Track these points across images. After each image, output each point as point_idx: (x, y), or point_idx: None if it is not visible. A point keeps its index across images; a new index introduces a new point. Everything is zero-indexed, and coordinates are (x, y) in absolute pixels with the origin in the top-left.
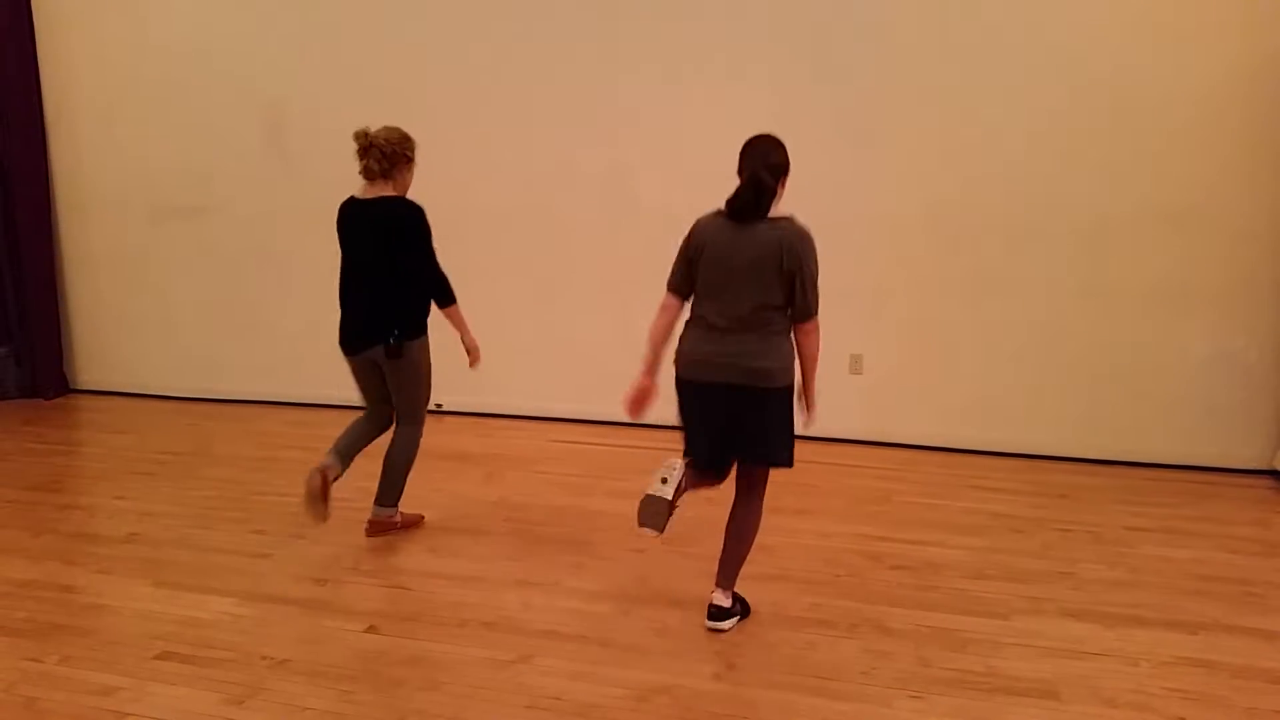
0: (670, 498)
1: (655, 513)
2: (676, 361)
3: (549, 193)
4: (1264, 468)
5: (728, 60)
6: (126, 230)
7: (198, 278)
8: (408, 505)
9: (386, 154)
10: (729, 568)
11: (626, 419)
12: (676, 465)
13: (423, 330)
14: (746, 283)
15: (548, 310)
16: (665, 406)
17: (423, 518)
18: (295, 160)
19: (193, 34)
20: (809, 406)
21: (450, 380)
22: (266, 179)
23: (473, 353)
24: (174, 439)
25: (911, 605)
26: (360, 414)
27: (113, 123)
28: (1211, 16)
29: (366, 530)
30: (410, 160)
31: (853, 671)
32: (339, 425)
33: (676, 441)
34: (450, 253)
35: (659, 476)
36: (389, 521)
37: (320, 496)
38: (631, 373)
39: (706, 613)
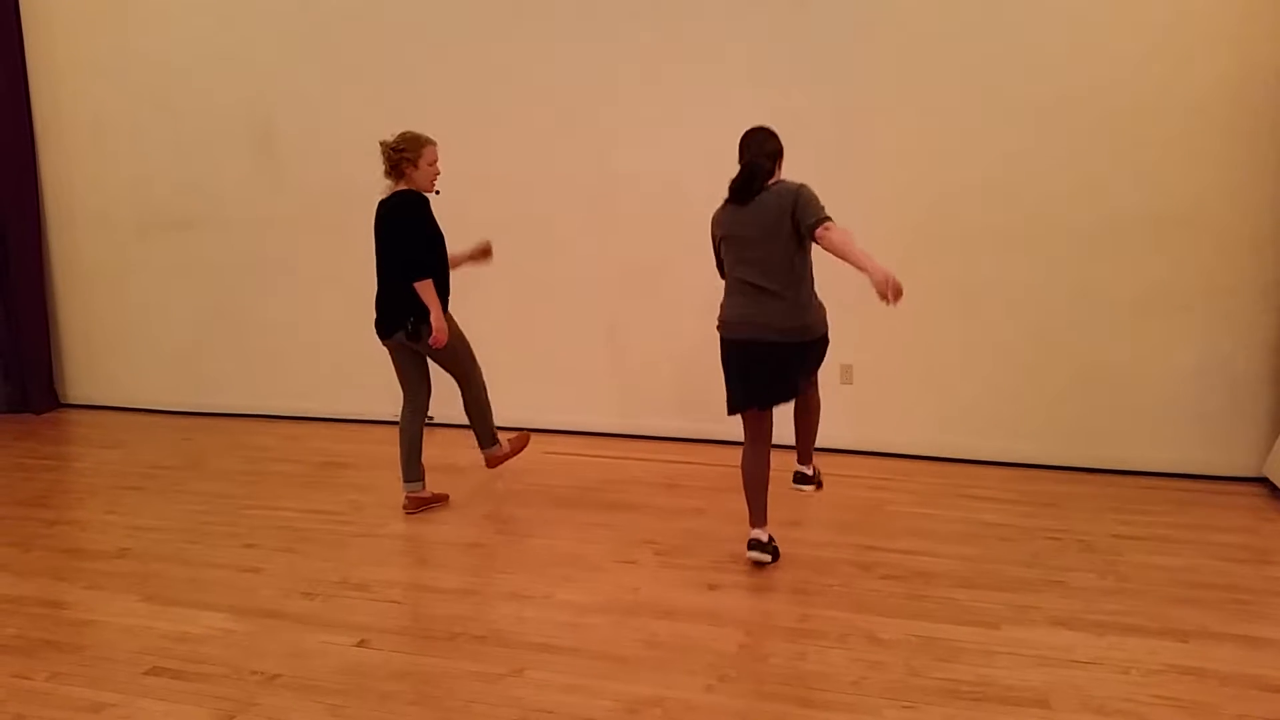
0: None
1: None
2: (721, 326)
3: (540, 202)
4: (1253, 475)
5: (719, 69)
6: (116, 244)
7: (187, 291)
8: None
9: (388, 156)
10: (808, 447)
11: (620, 431)
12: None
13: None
14: (766, 246)
15: (539, 321)
16: (660, 418)
17: (526, 437)
18: (285, 172)
19: (181, 47)
20: (877, 277)
21: (442, 393)
22: (256, 192)
23: (436, 335)
24: (164, 453)
25: (902, 615)
26: (402, 415)
27: (102, 136)
28: (1201, 25)
29: (487, 463)
30: (411, 161)
31: (843, 682)
32: (330, 439)
33: (673, 453)
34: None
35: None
36: (500, 454)
37: (428, 507)
38: (624, 384)
39: (793, 477)
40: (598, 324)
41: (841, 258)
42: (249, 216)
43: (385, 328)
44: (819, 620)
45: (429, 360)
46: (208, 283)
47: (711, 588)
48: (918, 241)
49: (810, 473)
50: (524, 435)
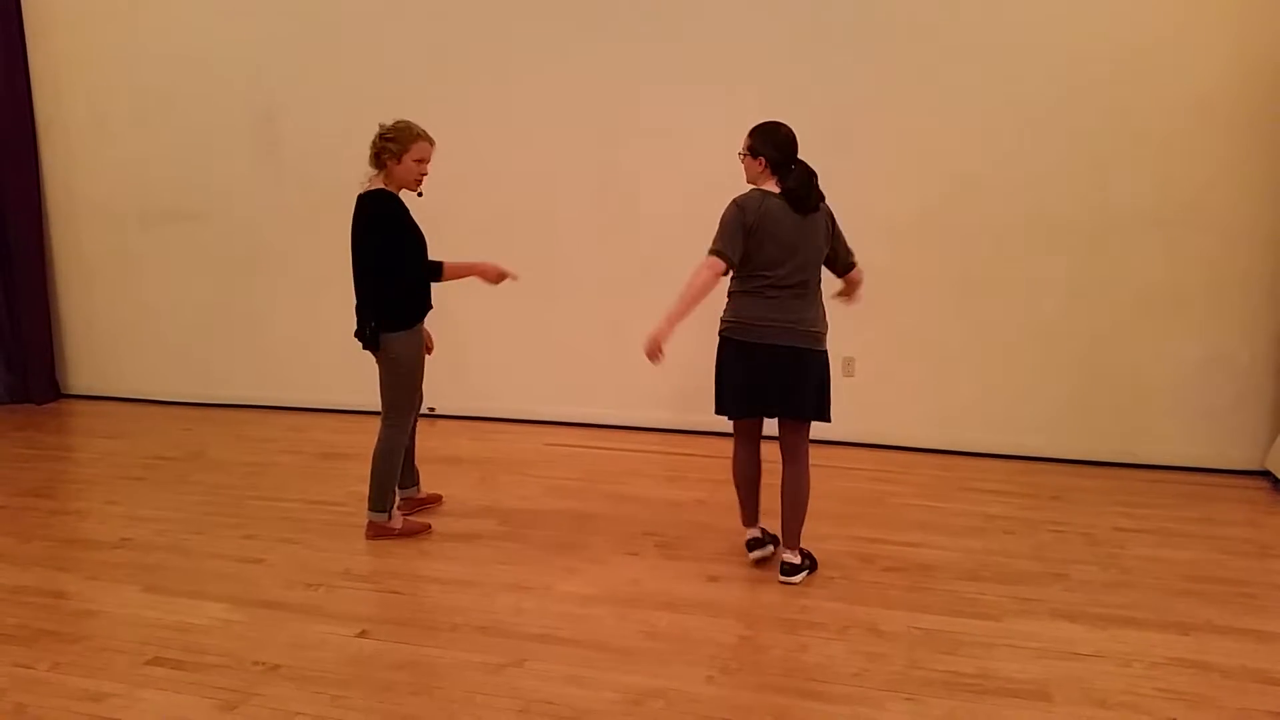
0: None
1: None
2: (732, 328)
3: (544, 196)
4: (1257, 468)
5: (722, 64)
6: (118, 235)
7: (190, 282)
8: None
9: (373, 142)
10: (791, 528)
11: (622, 423)
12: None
13: (403, 325)
14: (805, 259)
15: (542, 313)
16: (662, 411)
17: (429, 527)
18: (287, 165)
19: (183, 40)
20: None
21: (444, 384)
22: (259, 184)
23: (488, 273)
24: (166, 444)
25: (904, 607)
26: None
27: (104, 128)
28: (1204, 20)
29: (366, 530)
30: (394, 154)
31: (844, 673)
32: (332, 430)
33: (674, 445)
34: (444, 256)
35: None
36: (382, 527)
37: (414, 532)
38: (625, 376)
39: (780, 569)
40: (600, 317)
41: (855, 291)
42: (251, 208)
43: (357, 326)
44: (820, 612)
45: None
46: (209, 274)
47: (713, 579)
48: (922, 234)
49: (798, 560)
50: (426, 526)
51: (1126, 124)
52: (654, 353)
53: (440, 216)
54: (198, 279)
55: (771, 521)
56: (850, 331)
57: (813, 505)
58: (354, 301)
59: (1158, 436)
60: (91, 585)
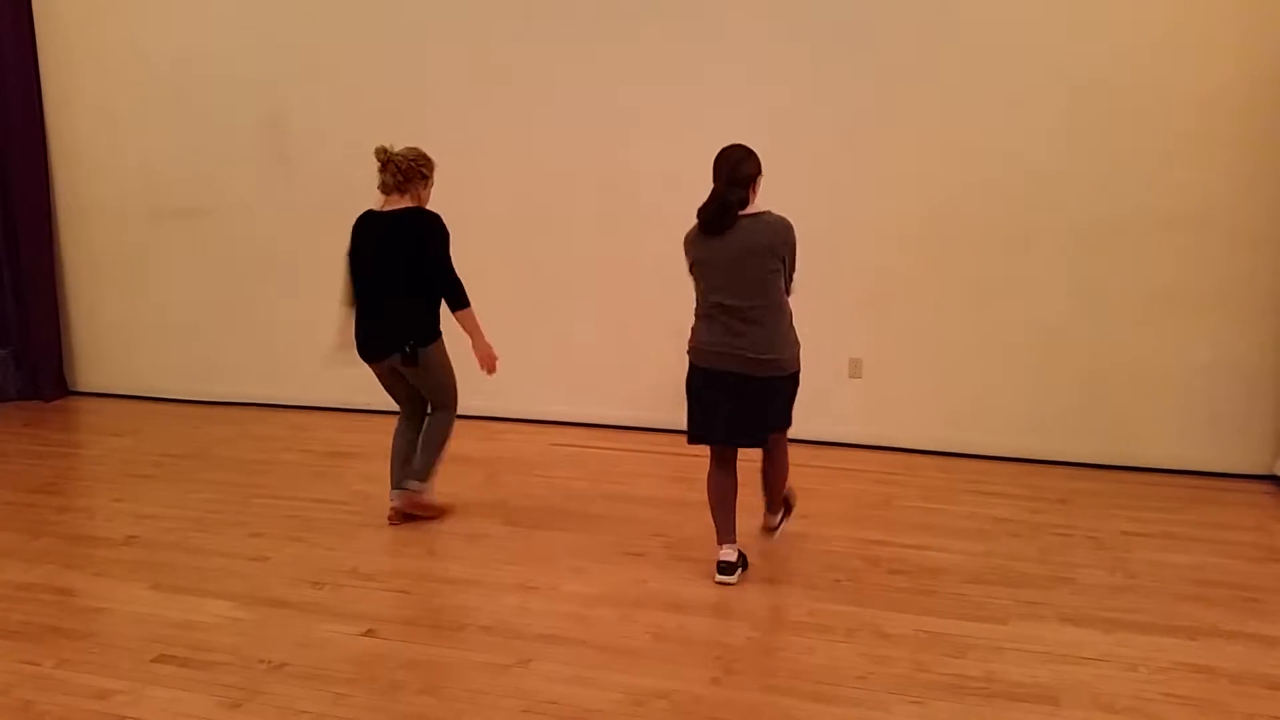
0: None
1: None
2: (690, 352)
3: (550, 197)
4: (1264, 473)
5: (728, 66)
6: (127, 232)
7: (198, 280)
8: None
9: (402, 169)
10: (774, 499)
11: (628, 424)
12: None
13: (437, 335)
14: (744, 276)
15: (549, 314)
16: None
17: (452, 508)
18: (296, 163)
19: (192, 37)
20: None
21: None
22: (266, 181)
23: (485, 361)
24: (173, 441)
25: (910, 610)
26: (396, 425)
27: (113, 125)
28: (1212, 21)
29: (395, 509)
30: (426, 178)
31: (850, 676)
32: (339, 429)
33: (680, 446)
34: (453, 254)
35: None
36: (424, 500)
37: (420, 516)
38: (632, 376)
39: (763, 523)
40: (607, 318)
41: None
42: (259, 206)
43: (380, 349)
44: (826, 614)
45: None
46: (217, 272)
47: (719, 581)
48: (929, 237)
49: (776, 522)
50: (450, 506)
51: (1134, 127)
52: None
53: (446, 218)
54: (206, 277)
55: (749, 519)
56: (856, 333)
57: (817, 507)
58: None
59: (1164, 440)
60: (98, 582)
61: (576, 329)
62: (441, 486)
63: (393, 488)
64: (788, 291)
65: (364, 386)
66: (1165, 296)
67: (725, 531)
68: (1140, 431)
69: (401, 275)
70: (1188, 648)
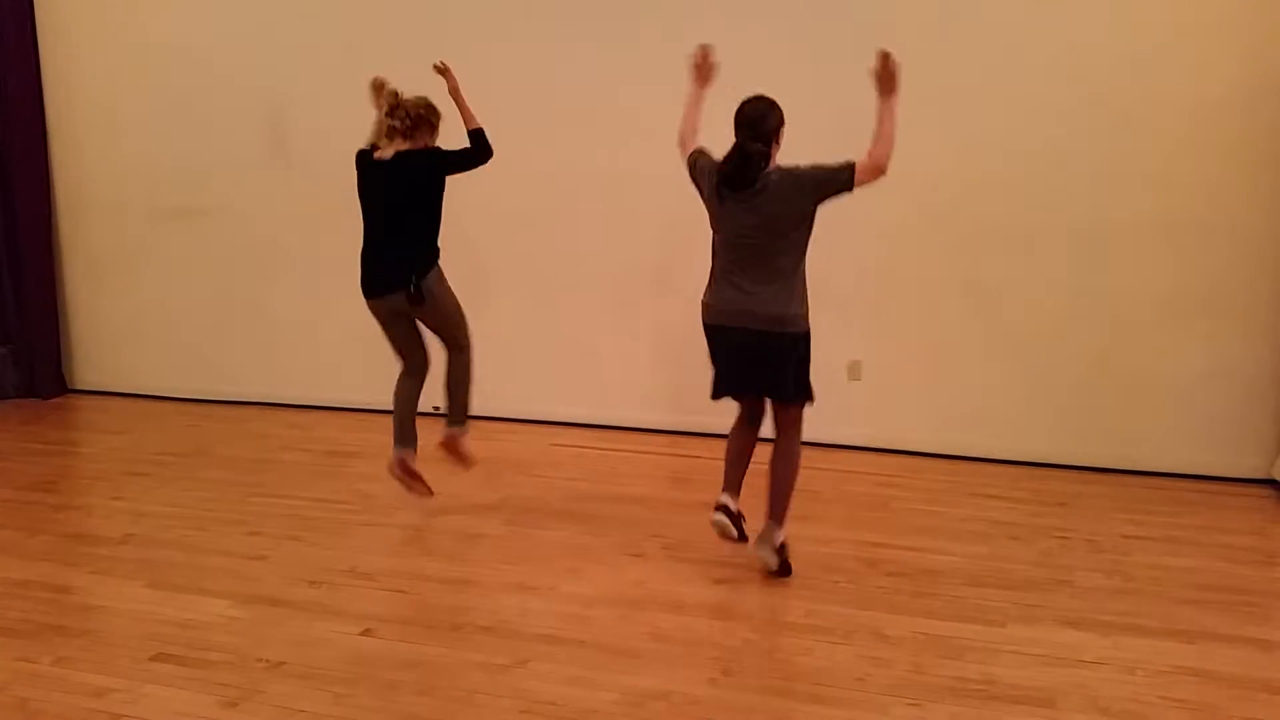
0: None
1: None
2: (703, 310)
3: (552, 196)
4: (1263, 477)
5: (728, 66)
6: (126, 230)
7: (197, 278)
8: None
9: (412, 115)
10: (772, 502)
11: (628, 424)
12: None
13: (435, 260)
14: (763, 237)
15: (550, 313)
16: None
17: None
18: (296, 162)
19: (194, 35)
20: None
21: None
22: (266, 180)
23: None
24: (172, 440)
25: (908, 612)
26: (397, 380)
27: (113, 123)
28: (1214, 26)
29: (446, 443)
30: (434, 127)
31: (848, 678)
32: (338, 428)
33: (680, 447)
34: (453, 255)
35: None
36: (463, 442)
37: (410, 484)
38: (633, 377)
39: (757, 538)
40: (607, 317)
41: (892, 139)
42: (260, 205)
43: (384, 283)
44: (825, 616)
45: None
46: (217, 271)
47: (717, 582)
48: (929, 239)
49: (775, 540)
50: (475, 457)
51: (1133, 130)
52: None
53: (448, 218)
54: (206, 275)
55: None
56: (856, 335)
57: (817, 509)
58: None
59: (1164, 444)
60: (96, 580)
61: (576, 329)
62: (439, 486)
63: (395, 445)
64: (850, 179)
65: (364, 386)
66: (1165, 300)
67: (730, 481)
68: (1140, 435)
69: (402, 217)
70: (1186, 651)
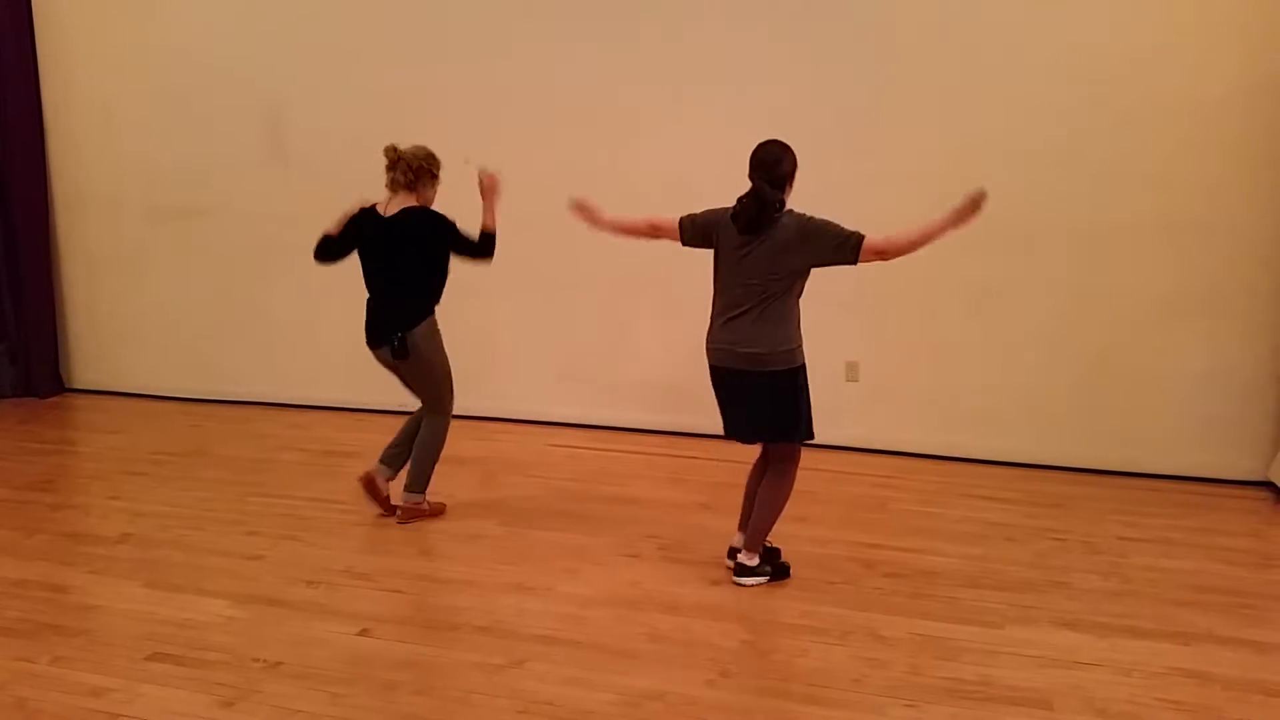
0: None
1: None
2: (706, 352)
3: (549, 197)
4: (1259, 479)
5: (731, 66)
6: (124, 230)
7: (195, 278)
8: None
9: (413, 168)
10: (751, 529)
11: (625, 425)
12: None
13: (427, 315)
14: (754, 280)
15: (546, 314)
16: (664, 413)
17: (445, 507)
18: (295, 161)
19: (192, 34)
20: (966, 215)
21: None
22: (265, 179)
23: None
24: (169, 439)
25: (905, 613)
26: (405, 415)
27: (111, 122)
28: (1214, 26)
29: (397, 518)
30: (434, 176)
31: (845, 679)
32: (336, 428)
33: (676, 447)
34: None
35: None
36: (416, 508)
37: (371, 498)
38: (629, 378)
39: (734, 568)
40: (604, 318)
41: (917, 245)
42: (258, 205)
43: (377, 335)
44: (821, 617)
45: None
46: (215, 270)
47: (714, 583)
48: None
49: (752, 563)
50: (443, 505)
51: (1133, 130)
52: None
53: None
54: (204, 275)
55: None
56: (854, 337)
57: (815, 510)
58: (362, 297)
59: (1160, 445)
60: (93, 580)
61: (574, 330)
62: (437, 486)
63: (379, 461)
64: (853, 251)
65: (363, 386)
66: (1164, 301)
67: (743, 520)
68: (1137, 437)
69: (400, 274)
70: (1182, 653)
